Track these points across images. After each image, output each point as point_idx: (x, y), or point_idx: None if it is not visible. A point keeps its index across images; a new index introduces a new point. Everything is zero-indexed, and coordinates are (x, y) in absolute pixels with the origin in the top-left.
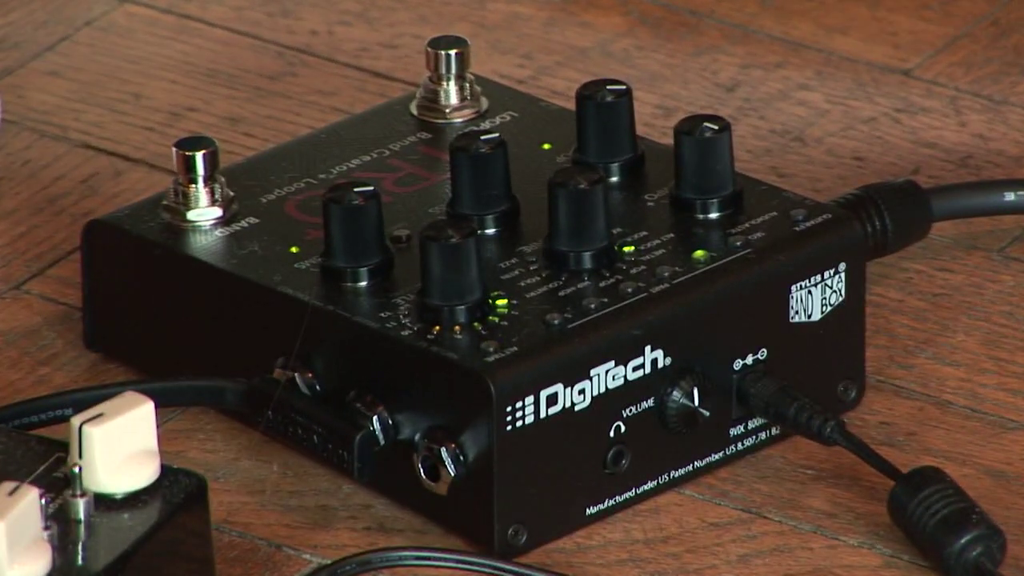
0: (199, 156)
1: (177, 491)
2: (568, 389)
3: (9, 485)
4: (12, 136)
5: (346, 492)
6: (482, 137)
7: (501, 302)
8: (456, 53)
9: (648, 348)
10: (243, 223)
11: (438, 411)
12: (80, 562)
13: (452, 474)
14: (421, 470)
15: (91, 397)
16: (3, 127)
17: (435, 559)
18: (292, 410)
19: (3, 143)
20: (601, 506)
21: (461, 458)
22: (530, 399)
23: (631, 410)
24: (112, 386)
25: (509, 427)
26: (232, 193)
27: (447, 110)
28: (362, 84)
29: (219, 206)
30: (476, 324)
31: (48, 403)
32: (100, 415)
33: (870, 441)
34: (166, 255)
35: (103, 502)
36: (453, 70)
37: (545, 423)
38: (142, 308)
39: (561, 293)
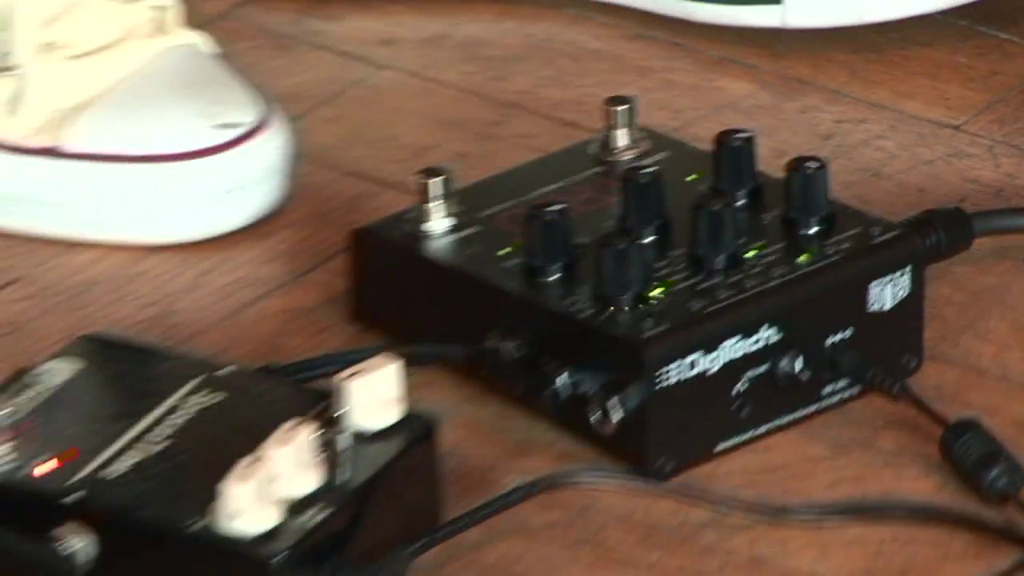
0: (436, 182)
1: (415, 428)
2: (703, 357)
3: (291, 423)
4: (300, 166)
5: (541, 430)
6: (643, 170)
7: (655, 292)
8: (625, 108)
9: (764, 327)
10: (467, 232)
11: (608, 372)
12: (343, 480)
13: (617, 419)
14: (596, 415)
15: (354, 358)
16: (295, 161)
17: (604, 479)
18: (502, 368)
19: (294, 172)
20: (726, 444)
21: (624, 407)
22: (675, 364)
23: (750, 373)
24: (370, 350)
25: (658, 385)
26: (461, 209)
27: (617, 150)
28: (555, 130)
29: (449, 219)
30: (637, 308)
31: (322, 362)
32: (360, 371)
33: (926, 398)
34: (410, 255)
35: (359, 437)
36: (623, 121)
37: (686, 382)
38: (392, 292)
39: (699, 287)
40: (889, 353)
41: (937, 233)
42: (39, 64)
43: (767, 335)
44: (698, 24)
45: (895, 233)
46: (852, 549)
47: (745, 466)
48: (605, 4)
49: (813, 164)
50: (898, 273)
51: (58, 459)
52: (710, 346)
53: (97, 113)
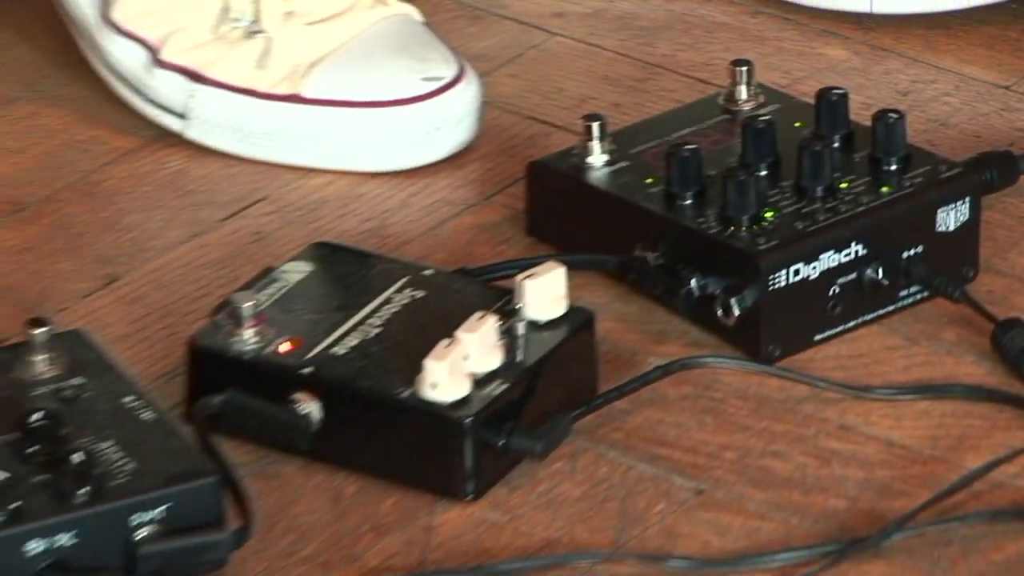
0: (596, 125)
1: (576, 320)
2: (805, 266)
3: (479, 314)
4: (487, 112)
5: (676, 323)
6: (759, 118)
7: (768, 214)
8: (746, 68)
9: (853, 243)
10: (619, 165)
11: (732, 275)
12: (519, 360)
13: (736, 314)
14: (720, 311)
15: (529, 263)
16: (484, 107)
17: (725, 362)
18: (646, 274)
19: (483, 116)
20: (822, 335)
21: (742, 305)
22: (783, 272)
23: (841, 280)
24: (541, 257)
25: (770, 288)
26: (615, 147)
27: (739, 102)
28: (691, 86)
29: (605, 155)
30: (753, 227)
31: (503, 266)
32: (533, 274)
33: (980, 301)
34: (574, 183)
35: (532, 326)
36: (744, 79)
37: (791, 286)
38: (560, 212)
39: (802, 211)
40: (951, 265)
41: (991, 171)
42: (282, 29)
43: (855, 249)
44: (804, 5)
45: (957, 170)
46: (920, 420)
47: (836, 353)
48: None
49: (893, 115)
50: (959, 202)
51: (292, 342)
52: (810, 258)
53: (329, 67)
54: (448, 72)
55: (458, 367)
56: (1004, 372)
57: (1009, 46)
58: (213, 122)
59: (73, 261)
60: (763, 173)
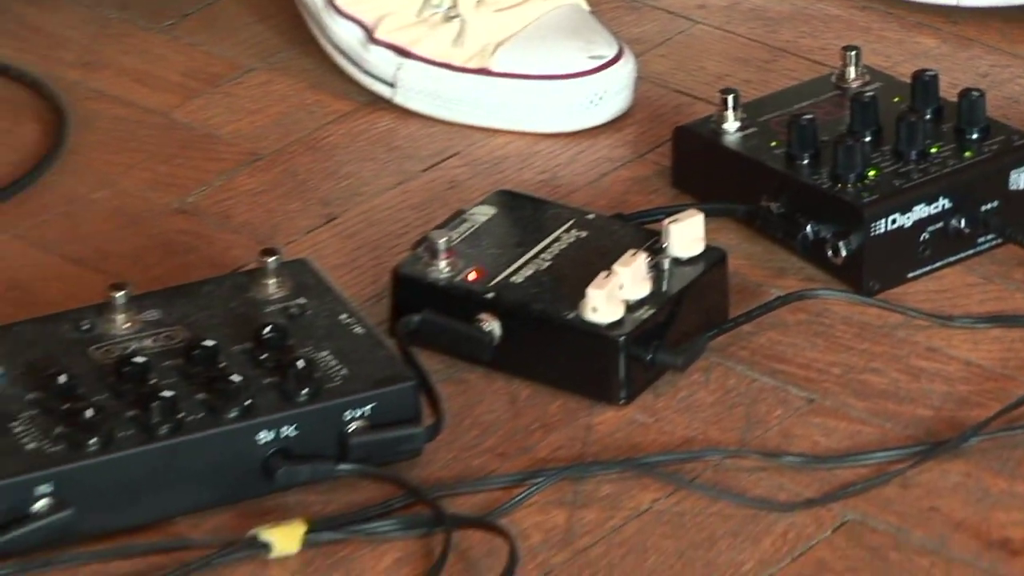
0: (730, 97)
1: (712, 257)
2: (901, 216)
3: (632, 251)
4: (641, 85)
5: (794, 261)
6: (865, 94)
7: (871, 173)
8: (854, 52)
9: (940, 198)
10: (749, 131)
11: (840, 223)
12: (664, 289)
13: (844, 254)
14: (830, 252)
15: (673, 210)
16: (639, 81)
17: (834, 293)
18: (769, 220)
19: (637, 88)
20: (914, 273)
21: (848, 247)
22: (882, 220)
23: (930, 228)
24: (684, 206)
25: (872, 233)
26: (745, 116)
27: (848, 81)
28: (809, 67)
29: (738, 122)
30: (858, 183)
31: (653, 212)
32: (677, 219)
33: None
34: (712, 144)
35: (675, 261)
36: (853, 61)
37: (889, 232)
38: (700, 168)
39: (899, 171)
40: (1022, 217)
41: None
42: (474, 14)
43: (942, 203)
44: (903, 1)
45: None
46: (993, 345)
47: (925, 288)
48: None
49: (975, 93)
50: None
51: (478, 271)
52: (905, 209)
53: (512, 46)
54: (610, 51)
55: (614, 295)
56: None
57: None
58: (416, 90)
59: (299, 202)
60: (867, 139)
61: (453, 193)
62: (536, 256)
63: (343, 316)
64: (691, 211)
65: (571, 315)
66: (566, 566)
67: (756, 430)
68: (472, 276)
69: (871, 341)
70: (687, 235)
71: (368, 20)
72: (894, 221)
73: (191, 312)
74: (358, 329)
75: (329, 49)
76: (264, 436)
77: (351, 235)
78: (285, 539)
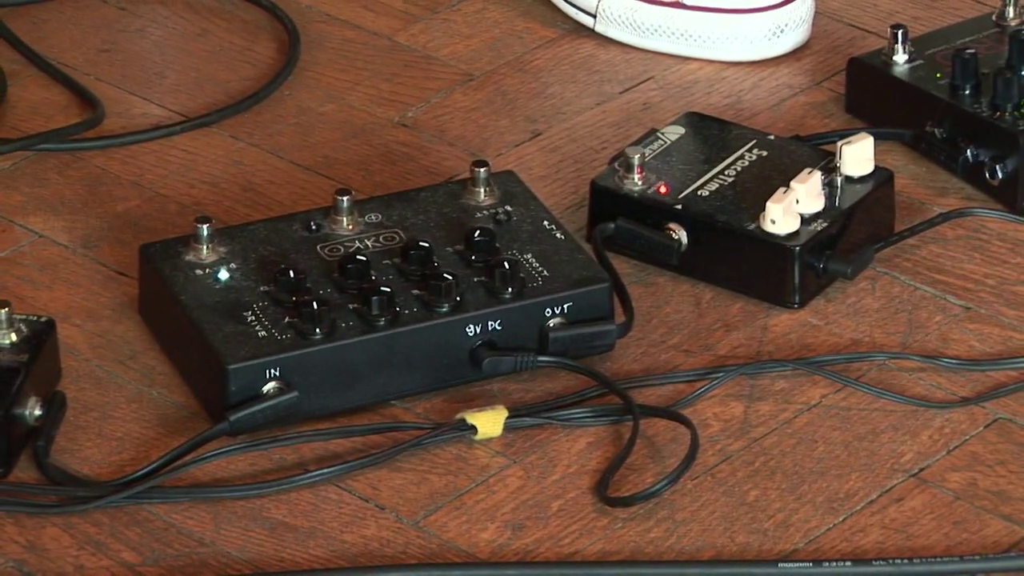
0: (899, 32)
1: (880, 176)
2: None
3: (808, 169)
4: (819, 20)
5: (955, 182)
6: (1023, 32)
7: None
8: None
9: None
10: (916, 63)
11: (998, 148)
12: (836, 205)
13: (1000, 177)
14: (988, 174)
15: (846, 134)
16: (816, 16)
17: (991, 211)
18: (934, 144)
19: (816, 22)
20: None
21: (1005, 169)
22: None
23: None
24: (855, 130)
25: None
26: (913, 49)
27: (1008, 20)
28: (972, 6)
29: (905, 55)
30: (1015, 112)
31: (828, 135)
32: (849, 141)
33: None
34: (883, 74)
35: (847, 179)
36: (1012, 2)
37: None
38: (872, 96)
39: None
40: None
41: None
42: None
43: None
44: None
45: None
46: None
47: None
48: None
49: None
50: None
51: (667, 185)
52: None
53: None
54: None
55: (791, 208)
56: None
57: None
58: (616, 20)
59: (508, 119)
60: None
61: (647, 114)
62: (721, 172)
63: (545, 222)
64: (862, 134)
65: (752, 226)
66: (742, 453)
67: (917, 335)
68: (662, 189)
69: (1023, 256)
70: (858, 156)
71: None
72: None
73: (408, 216)
74: (558, 234)
75: None
76: (472, 329)
77: (554, 149)
78: (489, 423)
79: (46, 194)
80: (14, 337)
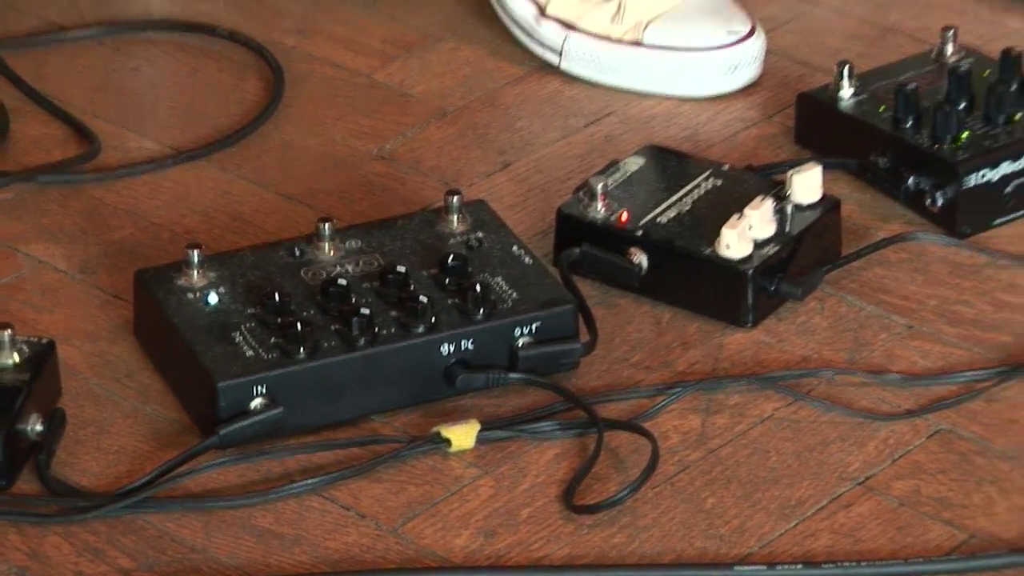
0: (845, 68)
1: (828, 203)
2: (990, 171)
3: (760, 197)
4: (769, 57)
5: (897, 209)
6: (961, 67)
7: (964, 135)
8: (952, 32)
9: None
10: (860, 97)
11: (936, 177)
12: (787, 231)
13: (940, 203)
14: (928, 201)
15: (795, 164)
16: (768, 54)
17: (932, 236)
18: (876, 173)
19: (767, 60)
20: (1000, 220)
21: (944, 197)
22: (973, 175)
23: (1016, 181)
24: (805, 159)
25: (964, 186)
26: (858, 84)
27: (945, 56)
28: (913, 44)
29: (851, 89)
30: (954, 143)
31: (779, 165)
32: (799, 170)
33: None
34: (828, 108)
35: (797, 207)
36: (950, 40)
37: (979, 185)
38: (818, 127)
39: (989, 133)
40: None
41: None
42: None
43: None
44: None
45: None
46: None
47: (1009, 233)
48: None
49: None
50: None
51: (628, 212)
52: (993, 165)
53: (662, 23)
54: (744, 28)
55: (745, 234)
56: None
57: None
58: (580, 59)
59: (479, 151)
60: (961, 107)
61: (609, 146)
62: (679, 200)
63: (514, 248)
64: (811, 164)
65: (708, 250)
66: (700, 463)
67: (863, 352)
68: (624, 216)
69: (962, 278)
70: (807, 184)
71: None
72: (984, 176)
73: (386, 242)
74: (527, 259)
75: (507, 22)
76: (446, 348)
77: (522, 180)
78: (462, 436)
79: (47, 223)
80: (17, 358)
